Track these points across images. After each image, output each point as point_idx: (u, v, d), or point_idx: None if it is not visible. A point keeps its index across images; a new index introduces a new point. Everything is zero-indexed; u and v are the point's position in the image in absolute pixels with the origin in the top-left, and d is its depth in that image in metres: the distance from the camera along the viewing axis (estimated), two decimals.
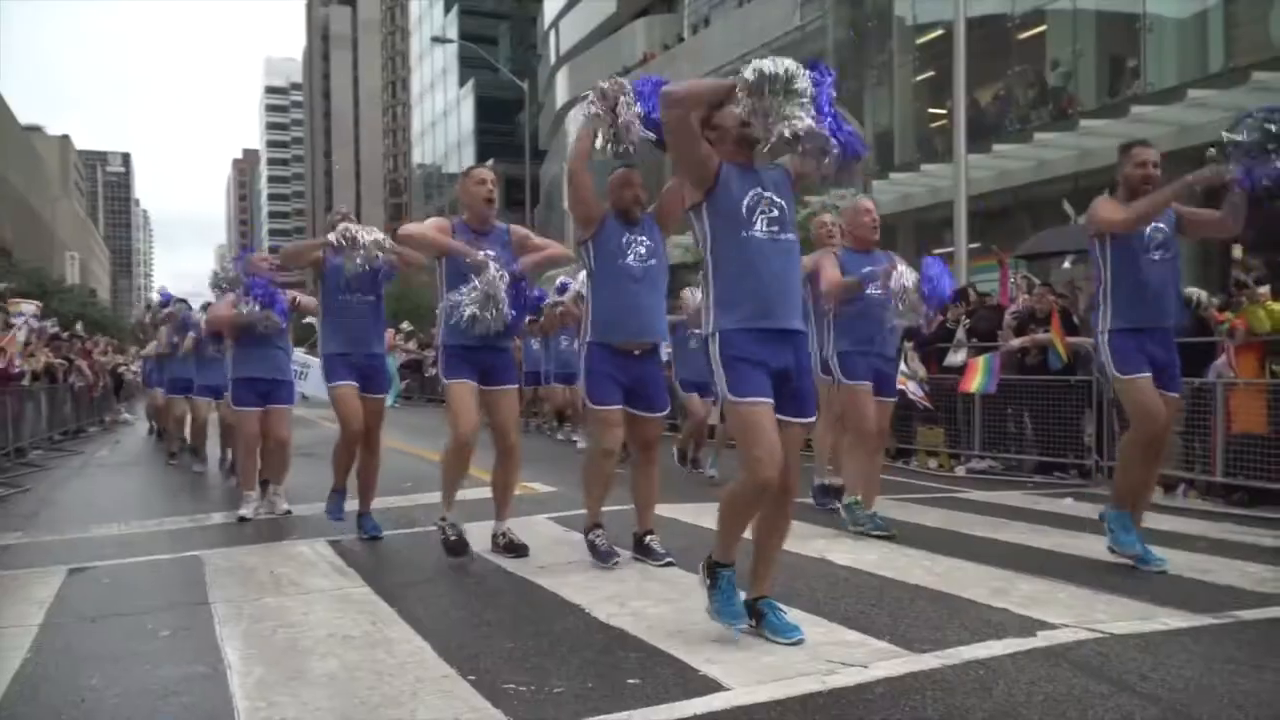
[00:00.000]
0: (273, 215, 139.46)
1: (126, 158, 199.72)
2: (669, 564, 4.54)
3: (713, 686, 2.92)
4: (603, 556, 4.65)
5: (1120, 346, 4.57)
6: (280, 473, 6.94)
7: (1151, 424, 4.53)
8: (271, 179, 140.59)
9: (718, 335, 3.36)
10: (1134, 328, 4.56)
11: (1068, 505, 6.68)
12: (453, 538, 4.90)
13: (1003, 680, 2.93)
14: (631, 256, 4.57)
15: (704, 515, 6.08)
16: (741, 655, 3.22)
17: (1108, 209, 4.61)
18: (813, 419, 3.64)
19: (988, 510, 6.46)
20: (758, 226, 3.33)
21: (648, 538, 4.75)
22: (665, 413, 4.87)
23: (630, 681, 2.99)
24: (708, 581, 3.46)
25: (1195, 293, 7.84)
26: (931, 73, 20.93)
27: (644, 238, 4.61)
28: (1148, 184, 4.56)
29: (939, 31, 19.33)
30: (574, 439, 11.71)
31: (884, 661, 3.11)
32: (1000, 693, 2.83)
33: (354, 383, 5.62)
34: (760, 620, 3.40)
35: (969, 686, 2.88)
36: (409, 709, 2.82)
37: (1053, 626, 3.48)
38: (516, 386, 5.29)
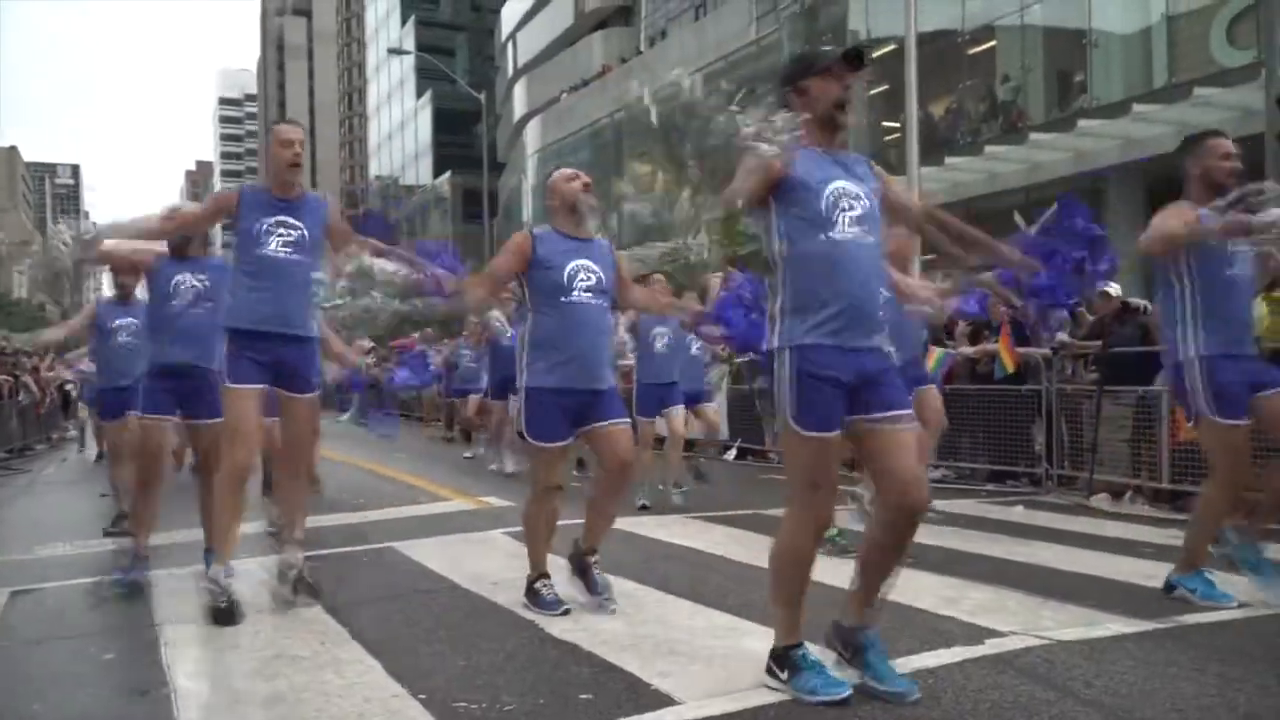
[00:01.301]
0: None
1: (75, 169, 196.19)
2: (607, 600, 4.08)
3: (664, 701, 2.92)
4: (549, 605, 4.05)
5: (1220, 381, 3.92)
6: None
7: (1243, 473, 4.01)
8: None
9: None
10: (1227, 354, 3.95)
11: (1018, 513, 6.78)
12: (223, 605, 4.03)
13: (951, 688, 2.96)
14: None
15: (660, 528, 6.10)
16: (694, 669, 3.23)
17: (1179, 215, 4.00)
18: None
19: (940, 519, 6.53)
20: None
21: (591, 559, 4.23)
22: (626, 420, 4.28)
23: (582, 697, 2.98)
24: (784, 675, 2.93)
25: (1140, 303, 8.01)
26: (885, 86, 21.19)
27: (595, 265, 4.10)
28: (1233, 177, 3.94)
29: (892, 46, 19.55)
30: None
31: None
32: (948, 701, 2.87)
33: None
34: (858, 654, 2.98)
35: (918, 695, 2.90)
36: None
37: (1001, 634, 3.52)
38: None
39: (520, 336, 4.18)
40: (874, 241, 2.94)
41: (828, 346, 2.84)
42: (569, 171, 4.29)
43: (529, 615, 3.99)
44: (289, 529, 4.47)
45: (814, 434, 2.85)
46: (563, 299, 3.97)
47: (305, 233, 4.30)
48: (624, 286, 4.34)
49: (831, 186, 2.89)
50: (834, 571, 3.46)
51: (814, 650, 2.99)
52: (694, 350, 7.83)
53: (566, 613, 3.99)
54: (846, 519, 5.73)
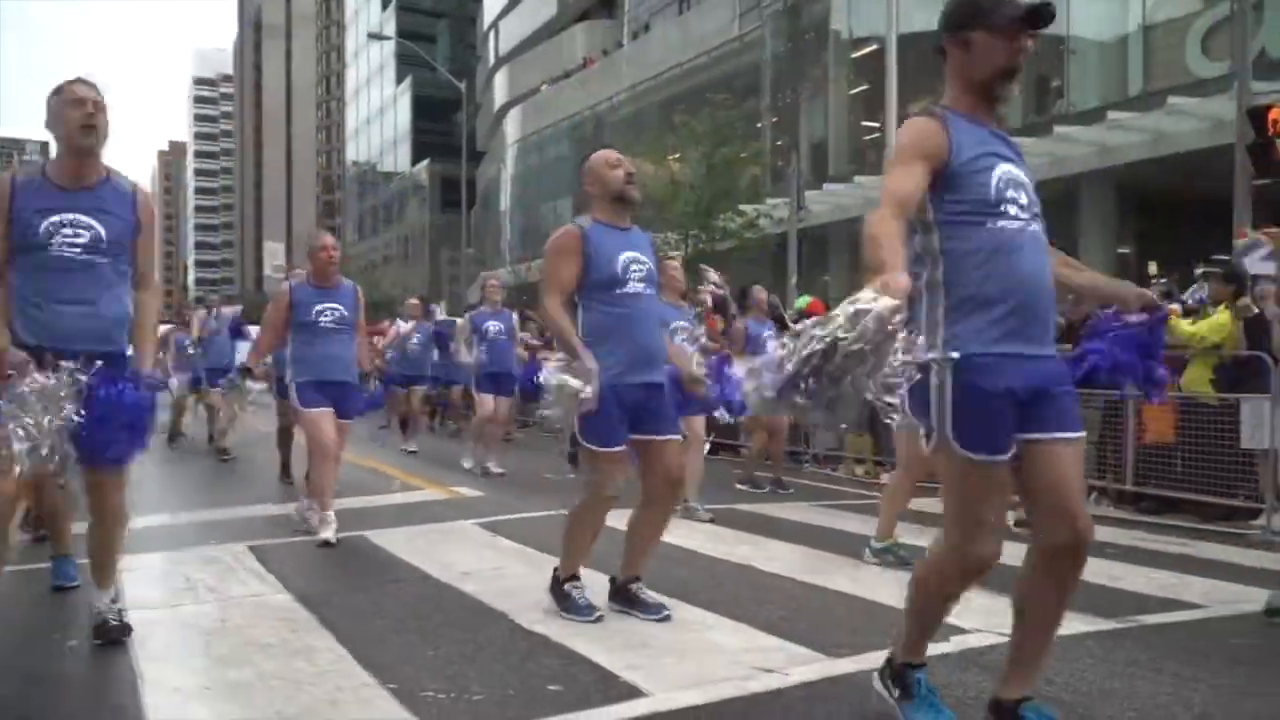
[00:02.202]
0: (199, 209, 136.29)
1: (44, 146, 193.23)
2: (667, 617, 3.77)
3: (633, 692, 2.95)
4: (581, 610, 3.80)
5: None
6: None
7: None
8: (199, 172, 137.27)
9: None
10: None
11: None
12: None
13: None
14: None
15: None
16: (663, 661, 3.26)
17: None
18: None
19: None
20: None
21: (634, 586, 3.93)
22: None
23: (551, 688, 3.00)
24: (895, 692, 2.68)
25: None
26: (866, 86, 21.32)
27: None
28: None
29: (873, 46, 19.70)
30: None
31: (802, 666, 3.17)
32: None
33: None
34: None
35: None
36: (326, 718, 2.79)
37: (965, 631, 3.57)
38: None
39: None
40: (1040, 230, 2.54)
41: (998, 354, 2.42)
42: (611, 156, 3.97)
43: (499, 606, 4.00)
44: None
45: (981, 457, 2.41)
46: (617, 291, 3.80)
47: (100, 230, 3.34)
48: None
49: (1000, 170, 2.49)
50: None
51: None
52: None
53: (599, 619, 3.74)
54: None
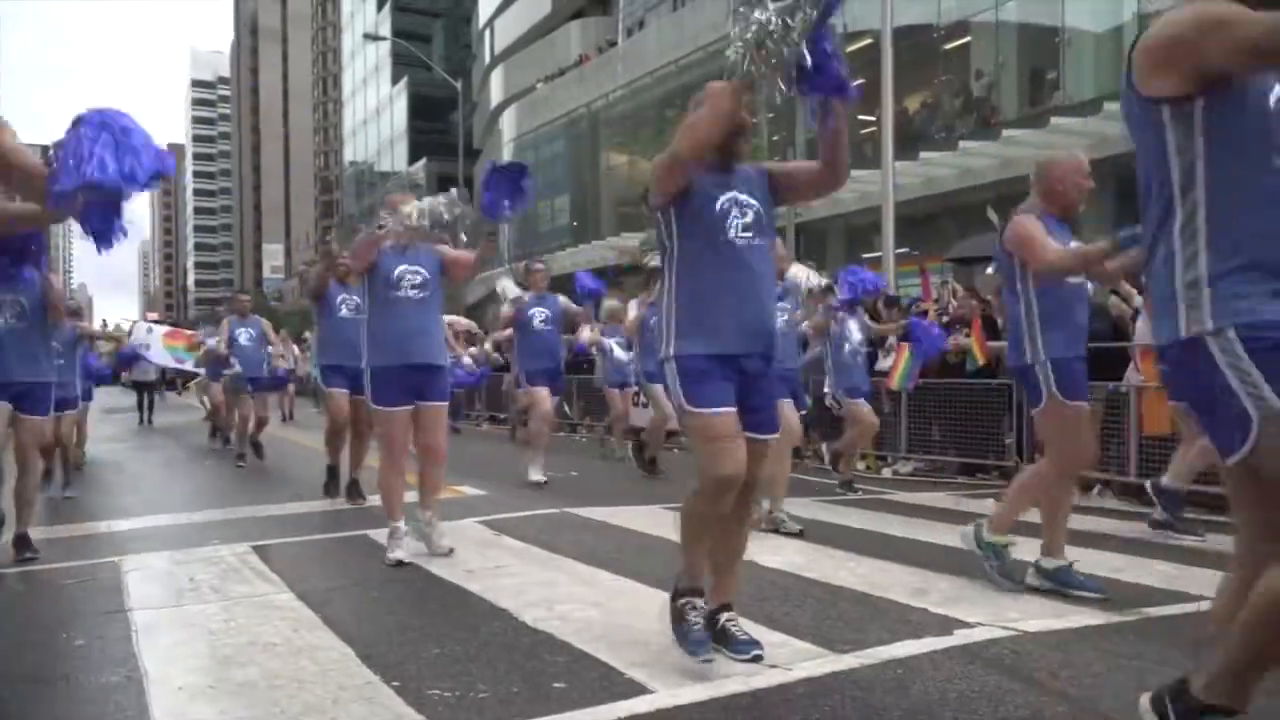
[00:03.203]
0: (198, 211, 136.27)
1: (45, 150, 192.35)
2: (758, 657, 3.04)
3: (638, 689, 2.94)
4: (693, 645, 3.07)
5: None
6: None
7: None
8: (197, 174, 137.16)
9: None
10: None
11: (989, 506, 6.83)
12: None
13: (919, 679, 3.01)
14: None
15: (649, 520, 6.12)
16: (667, 658, 3.25)
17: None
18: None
19: (911, 512, 6.60)
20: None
21: (723, 616, 3.16)
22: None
23: (556, 685, 3.00)
24: None
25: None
26: (860, 80, 21.20)
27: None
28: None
29: (867, 40, 19.68)
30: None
31: (806, 662, 3.16)
32: (917, 691, 2.91)
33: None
34: None
35: (887, 685, 2.95)
36: (330, 717, 2.79)
37: (969, 625, 3.57)
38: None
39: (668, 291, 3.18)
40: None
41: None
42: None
43: (503, 603, 4.00)
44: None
45: None
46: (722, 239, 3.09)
47: None
48: None
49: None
50: None
51: None
52: None
53: (709, 661, 3.06)
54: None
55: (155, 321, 19.27)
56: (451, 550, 4.96)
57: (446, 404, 5.16)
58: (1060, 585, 4.09)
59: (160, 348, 13.41)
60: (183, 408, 22.52)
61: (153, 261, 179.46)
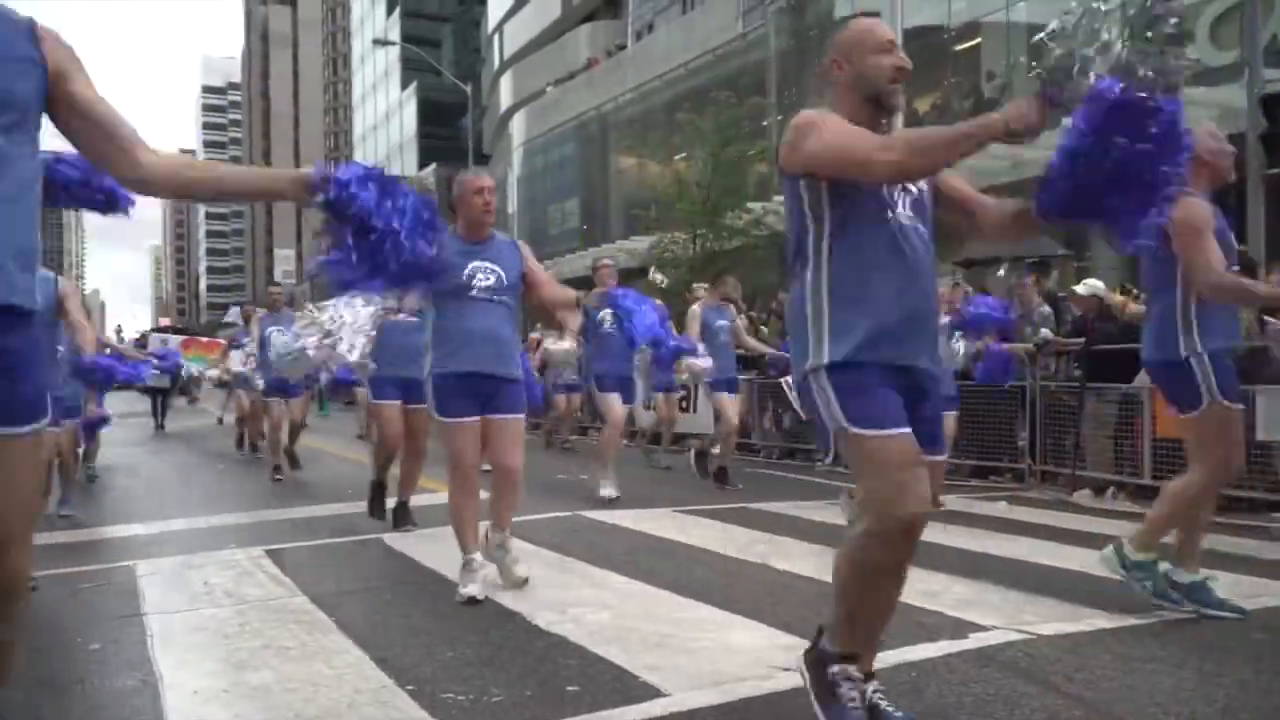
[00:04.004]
0: (210, 216, 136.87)
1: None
2: None
3: (652, 693, 2.94)
4: (839, 715, 2.49)
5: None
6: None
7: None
8: None
9: None
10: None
11: (1002, 509, 6.83)
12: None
13: (934, 682, 3.00)
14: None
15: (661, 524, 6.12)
16: (681, 661, 3.25)
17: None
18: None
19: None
20: None
21: (871, 688, 2.54)
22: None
23: (569, 689, 3.00)
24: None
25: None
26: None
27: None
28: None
29: None
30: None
31: None
32: (931, 694, 2.90)
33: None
34: None
35: (902, 688, 2.93)
36: (347, 719, 2.80)
37: (984, 628, 3.56)
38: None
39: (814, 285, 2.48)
40: None
41: None
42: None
43: (516, 607, 4.00)
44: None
45: None
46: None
47: None
48: None
49: None
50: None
51: None
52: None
53: None
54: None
55: (169, 329, 19.36)
56: (527, 580, 4.36)
57: (522, 417, 4.55)
58: (1197, 603, 3.79)
59: (180, 359, 13.36)
60: (196, 412, 22.62)
61: (165, 267, 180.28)
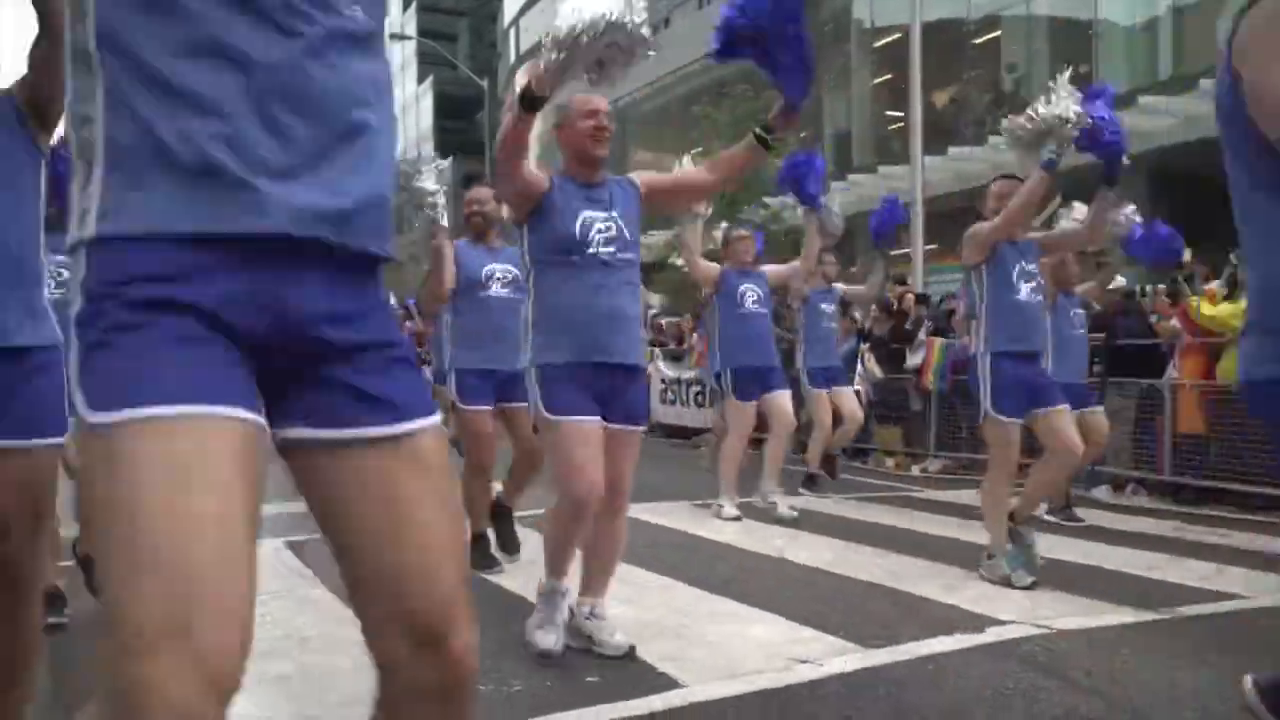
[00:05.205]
0: None
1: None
2: None
3: (670, 683, 2.95)
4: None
5: None
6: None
7: None
8: None
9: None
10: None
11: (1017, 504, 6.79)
12: None
13: (953, 676, 3.00)
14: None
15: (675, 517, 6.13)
16: (699, 653, 3.26)
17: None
18: None
19: (941, 509, 6.57)
20: None
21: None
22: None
23: (589, 679, 3.02)
24: None
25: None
26: (889, 76, 21.18)
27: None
28: None
29: (896, 35, 19.57)
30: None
31: (838, 658, 3.16)
32: (950, 688, 2.90)
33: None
34: None
35: (920, 682, 2.94)
36: (367, 709, 2.81)
37: (1002, 623, 3.56)
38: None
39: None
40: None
41: None
42: None
43: (534, 599, 4.01)
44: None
45: None
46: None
47: None
48: None
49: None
50: None
51: None
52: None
53: None
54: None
55: None
56: (633, 648, 3.24)
57: (642, 430, 3.38)
58: None
59: None
60: None
61: None
